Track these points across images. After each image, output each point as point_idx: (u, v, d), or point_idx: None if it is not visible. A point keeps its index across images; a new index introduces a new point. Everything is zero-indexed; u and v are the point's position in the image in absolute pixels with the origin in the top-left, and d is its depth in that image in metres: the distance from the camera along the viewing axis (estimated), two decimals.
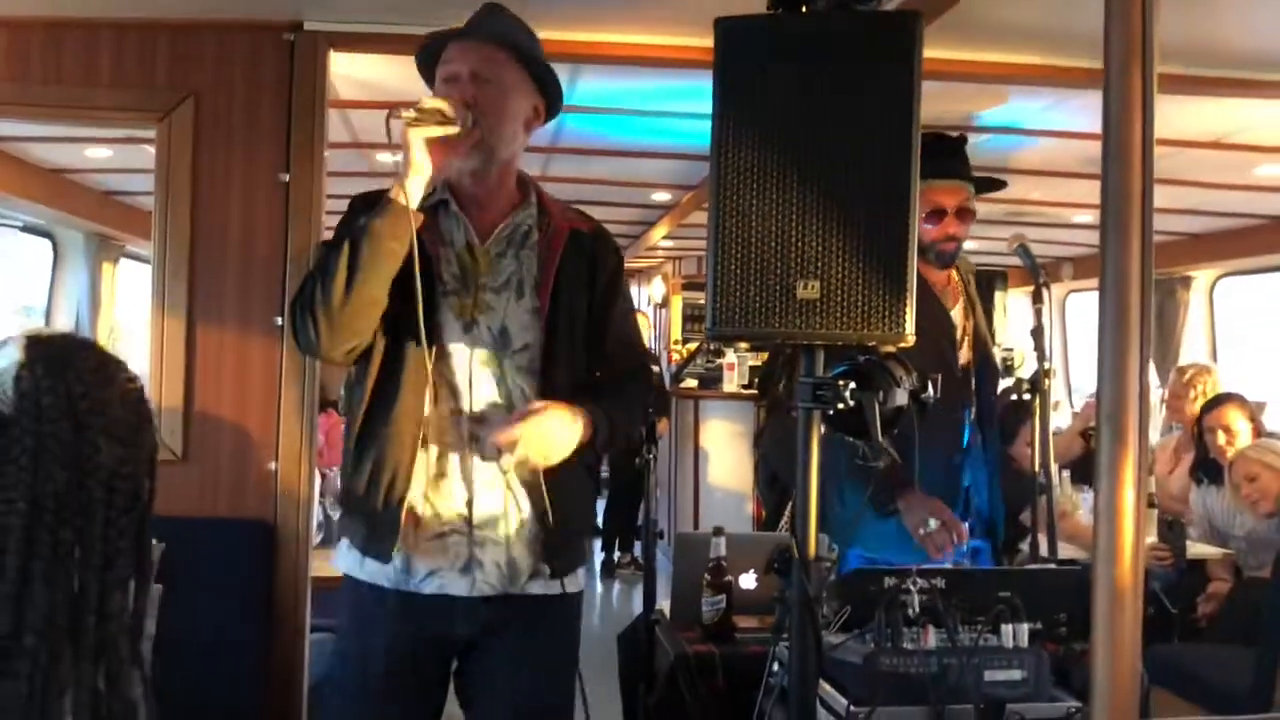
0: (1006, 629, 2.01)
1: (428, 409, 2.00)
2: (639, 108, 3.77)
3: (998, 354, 3.06)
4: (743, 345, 7.96)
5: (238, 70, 2.84)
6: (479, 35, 2.02)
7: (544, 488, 2.02)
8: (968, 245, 2.91)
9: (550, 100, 2.11)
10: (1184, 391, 5.02)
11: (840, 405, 1.77)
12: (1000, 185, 3.05)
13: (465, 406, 2.02)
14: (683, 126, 3.95)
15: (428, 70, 2.07)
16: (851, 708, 1.92)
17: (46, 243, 5.96)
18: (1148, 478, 1.67)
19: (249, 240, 2.84)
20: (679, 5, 2.63)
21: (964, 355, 2.85)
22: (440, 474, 2.02)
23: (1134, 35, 1.76)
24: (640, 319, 7.54)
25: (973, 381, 2.84)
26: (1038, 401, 2.76)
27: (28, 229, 5.78)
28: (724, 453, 7.51)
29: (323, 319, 1.90)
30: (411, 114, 1.88)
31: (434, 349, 1.98)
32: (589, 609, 5.59)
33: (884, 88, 1.68)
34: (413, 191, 1.91)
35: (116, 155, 4.56)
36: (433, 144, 1.90)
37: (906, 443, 2.11)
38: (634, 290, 11.72)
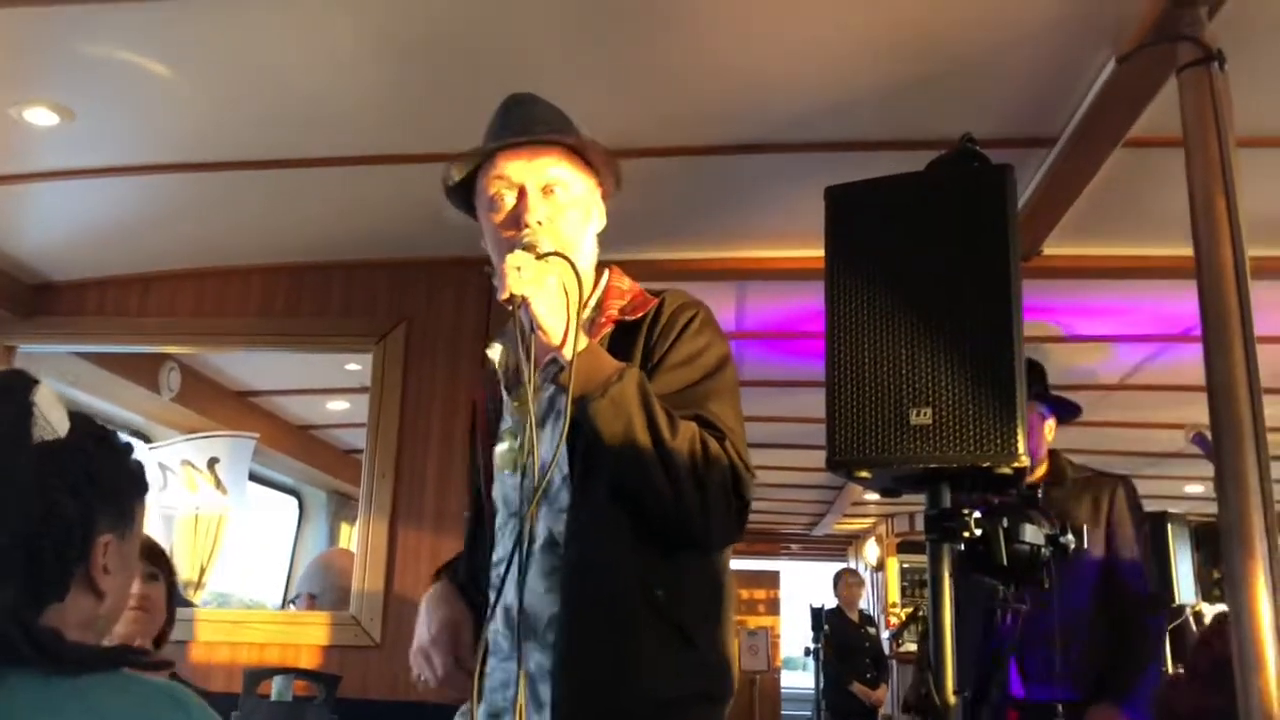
0: None
1: None
2: (816, 329, 3.68)
3: None
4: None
5: (445, 299, 3.26)
6: (532, 138, 1.61)
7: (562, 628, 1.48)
8: None
9: (607, 188, 1.73)
10: None
11: (966, 535, 1.82)
12: (1074, 411, 3.03)
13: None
14: None
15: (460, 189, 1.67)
16: None
17: (293, 500, 6.60)
18: None
19: (447, 445, 3.17)
20: None
21: None
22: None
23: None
24: (855, 582, 7.40)
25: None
26: None
27: (277, 487, 6.43)
28: None
29: None
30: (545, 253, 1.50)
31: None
32: None
33: (981, 227, 1.81)
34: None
35: (353, 408, 5.12)
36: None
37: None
38: (851, 559, 11.48)
